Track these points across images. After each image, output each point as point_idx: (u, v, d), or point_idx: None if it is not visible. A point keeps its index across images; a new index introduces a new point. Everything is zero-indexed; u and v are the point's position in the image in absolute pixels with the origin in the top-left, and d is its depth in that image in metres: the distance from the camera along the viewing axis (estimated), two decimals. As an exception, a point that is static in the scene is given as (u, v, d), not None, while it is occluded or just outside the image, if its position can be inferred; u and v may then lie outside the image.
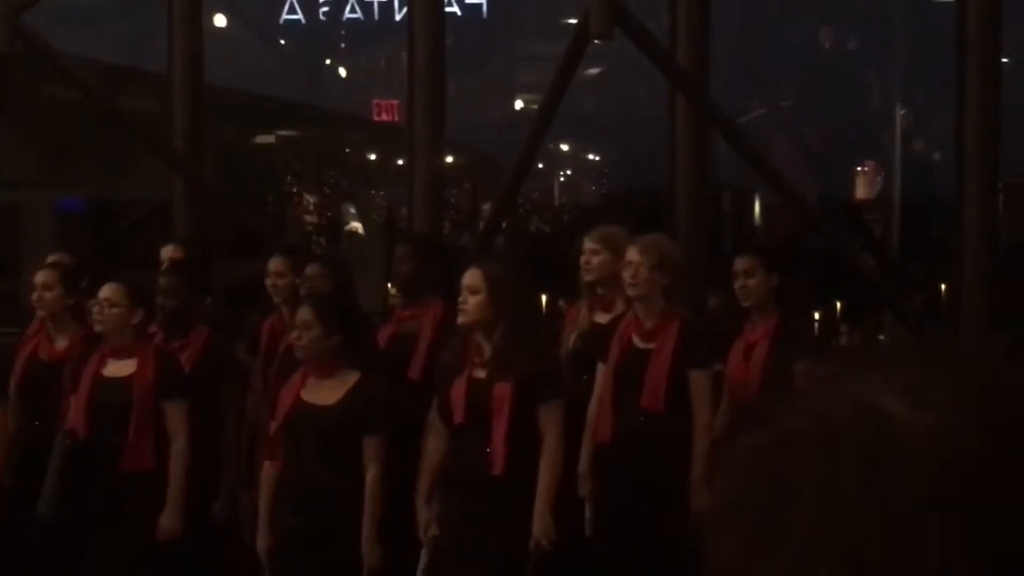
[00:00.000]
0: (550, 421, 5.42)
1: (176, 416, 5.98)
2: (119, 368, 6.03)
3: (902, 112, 23.09)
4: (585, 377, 5.91)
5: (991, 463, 0.80)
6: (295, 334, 5.71)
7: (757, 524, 0.82)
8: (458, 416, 5.45)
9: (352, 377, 5.66)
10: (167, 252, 7.39)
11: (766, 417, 0.87)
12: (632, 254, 5.81)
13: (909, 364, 0.87)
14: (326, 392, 5.64)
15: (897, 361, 0.88)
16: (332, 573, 5.58)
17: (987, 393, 0.84)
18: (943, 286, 10.12)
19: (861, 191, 25.29)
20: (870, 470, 0.81)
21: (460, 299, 5.47)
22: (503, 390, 5.37)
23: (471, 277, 5.47)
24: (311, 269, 6.77)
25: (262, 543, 5.70)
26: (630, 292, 5.83)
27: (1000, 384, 0.85)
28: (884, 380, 0.85)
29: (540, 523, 5.34)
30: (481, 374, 5.45)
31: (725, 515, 0.85)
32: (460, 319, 5.47)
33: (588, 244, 6.27)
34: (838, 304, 10.36)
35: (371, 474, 5.52)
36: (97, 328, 6.09)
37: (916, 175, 21.77)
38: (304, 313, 5.70)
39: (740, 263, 5.95)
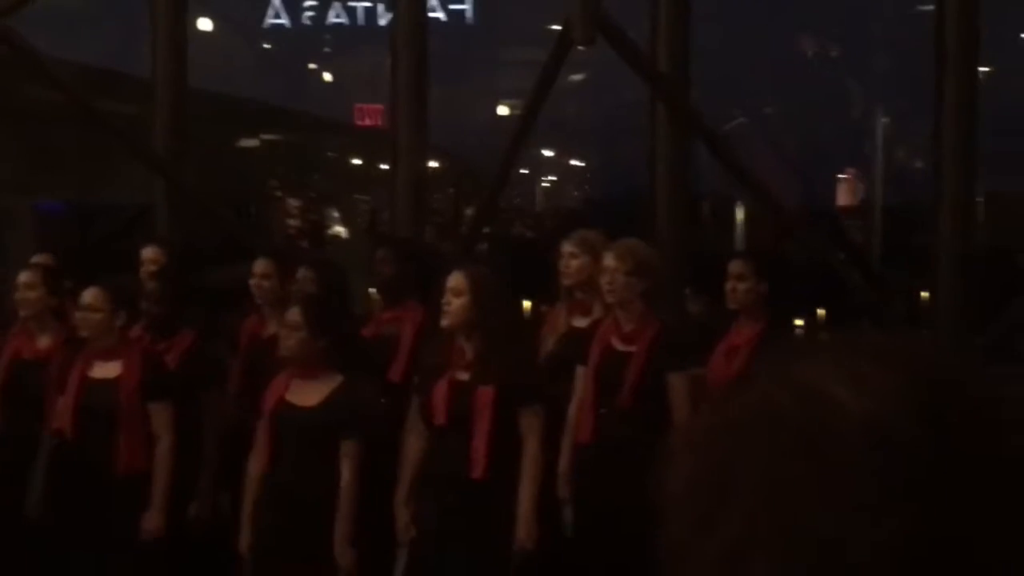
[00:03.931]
0: (531, 426, 5.46)
1: (161, 417, 6.00)
2: (105, 370, 6.06)
3: (884, 120, 23.10)
4: (561, 383, 5.93)
5: (925, 452, 0.83)
6: (282, 334, 5.74)
7: (705, 504, 0.86)
8: (439, 418, 5.48)
9: (335, 380, 5.70)
10: (147, 254, 7.39)
11: (719, 401, 0.90)
12: (608, 260, 5.85)
13: (858, 355, 0.89)
14: (309, 394, 5.67)
15: (847, 351, 0.90)
16: (308, 574, 5.60)
17: (928, 385, 0.86)
18: (924, 294, 10.15)
19: (842, 198, 25.29)
20: (810, 452, 0.83)
21: (443, 301, 5.51)
22: (485, 394, 5.41)
23: (455, 280, 5.52)
24: (302, 273, 6.79)
25: (243, 542, 5.73)
26: (608, 298, 5.87)
27: (942, 378, 0.88)
28: (832, 368, 0.87)
29: (524, 526, 5.38)
30: (463, 376, 5.49)
31: (678, 496, 0.88)
32: (443, 321, 5.52)
33: (567, 248, 6.31)
34: (820, 312, 10.38)
35: (345, 477, 5.55)
36: (81, 333, 6.11)
37: (898, 183, 21.80)
38: (292, 314, 5.73)
39: (734, 266, 5.99)
